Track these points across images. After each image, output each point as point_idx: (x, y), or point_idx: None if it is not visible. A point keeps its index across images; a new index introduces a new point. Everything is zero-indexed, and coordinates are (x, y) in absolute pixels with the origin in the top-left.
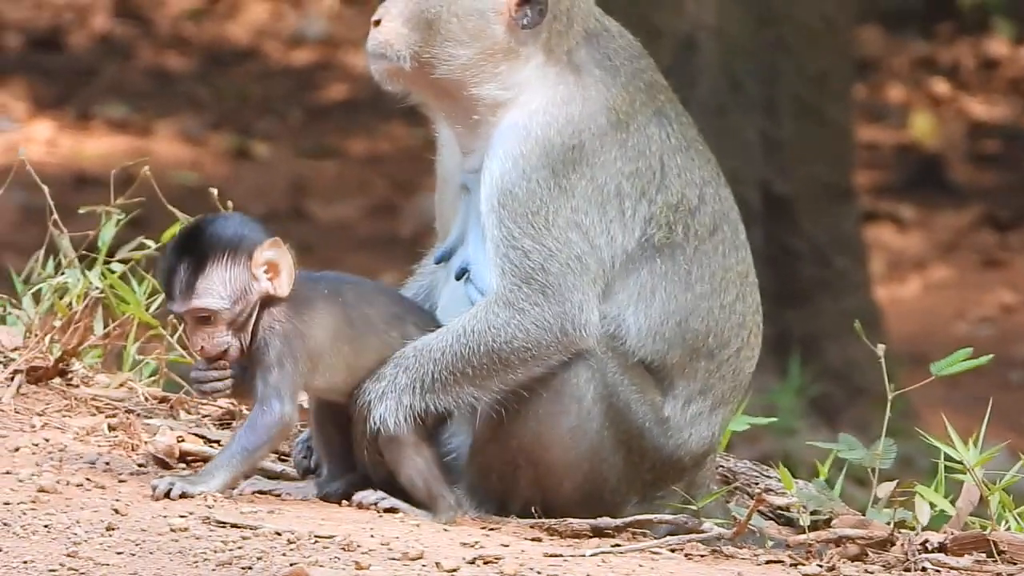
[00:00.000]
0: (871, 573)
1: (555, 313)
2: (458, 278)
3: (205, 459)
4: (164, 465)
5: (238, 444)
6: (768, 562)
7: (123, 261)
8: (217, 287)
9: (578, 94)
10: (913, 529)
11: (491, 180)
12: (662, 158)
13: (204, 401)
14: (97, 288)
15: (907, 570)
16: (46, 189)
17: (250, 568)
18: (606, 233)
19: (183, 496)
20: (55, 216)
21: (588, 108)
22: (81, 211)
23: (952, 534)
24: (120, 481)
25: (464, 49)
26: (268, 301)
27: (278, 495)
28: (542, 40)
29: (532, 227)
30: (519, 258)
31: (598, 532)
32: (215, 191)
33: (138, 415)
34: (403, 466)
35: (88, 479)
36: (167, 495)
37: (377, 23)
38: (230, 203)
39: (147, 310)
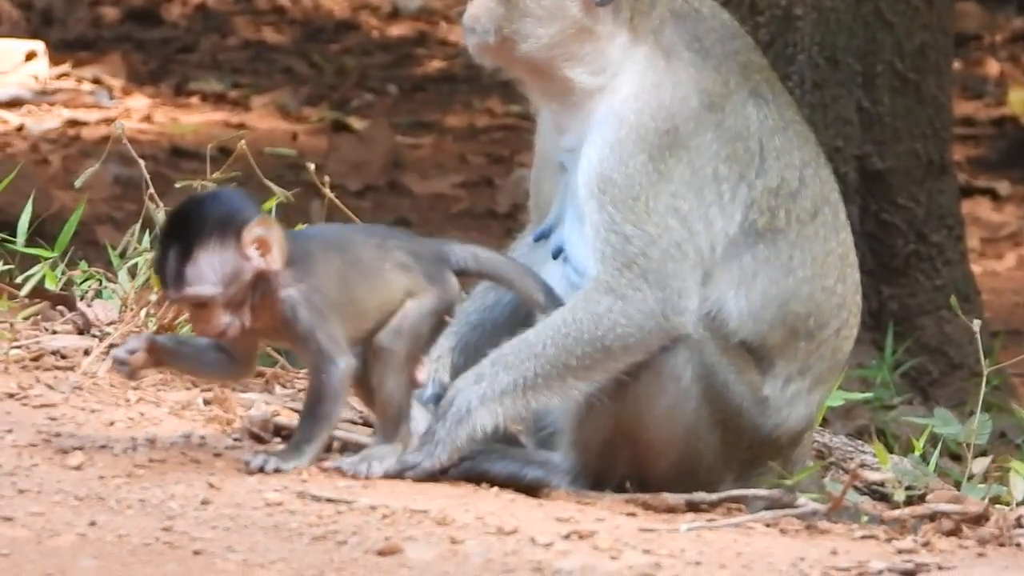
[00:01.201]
0: (965, 548)
1: (656, 299)
2: (555, 257)
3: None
4: (259, 439)
5: (318, 413)
6: (863, 537)
7: None
8: (208, 273)
9: (668, 78)
10: (1008, 504)
11: (589, 166)
12: (760, 140)
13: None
14: None
15: (1001, 545)
16: (142, 163)
17: (344, 543)
18: (704, 219)
19: (277, 472)
20: (151, 190)
21: (679, 92)
22: (177, 185)
23: None
24: (215, 455)
25: (543, 27)
26: (265, 274)
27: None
28: (623, 19)
29: (632, 213)
30: (620, 243)
31: (693, 507)
32: (312, 166)
33: (233, 389)
34: (390, 378)
35: (183, 453)
36: (261, 471)
37: None
38: (327, 178)
39: None
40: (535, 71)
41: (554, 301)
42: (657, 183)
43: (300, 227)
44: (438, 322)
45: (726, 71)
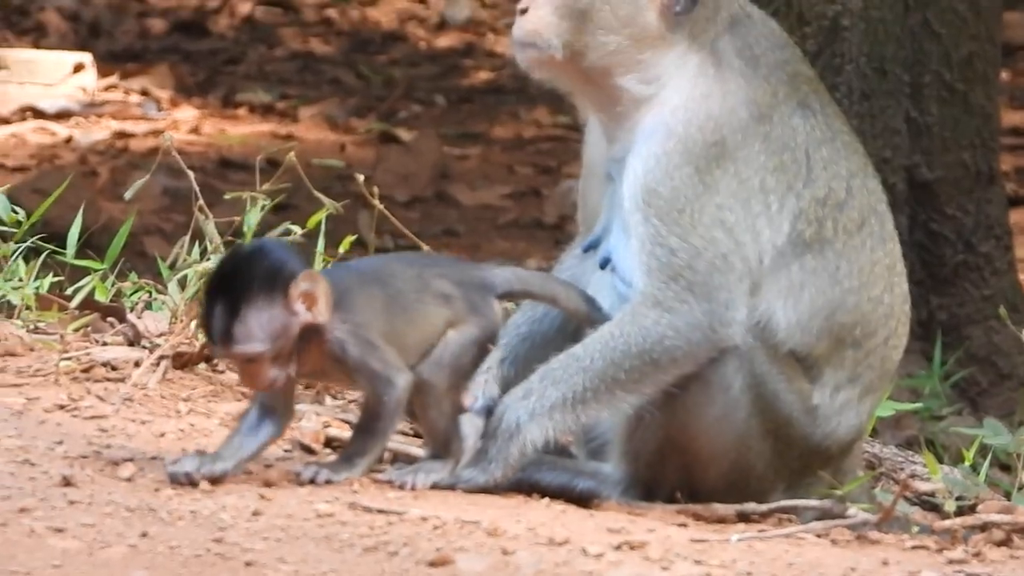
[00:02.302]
0: (1016, 559)
1: (703, 311)
2: (602, 267)
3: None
4: (309, 451)
5: (373, 429)
6: (914, 548)
7: None
8: (256, 330)
9: (717, 88)
10: None
11: (635, 178)
12: (807, 150)
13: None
14: None
15: None
16: (191, 174)
17: (396, 554)
18: (752, 230)
19: (328, 483)
20: (200, 201)
21: (728, 102)
22: (227, 197)
23: None
24: (266, 467)
25: (615, 36)
26: (312, 326)
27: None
28: (685, 27)
29: (678, 225)
30: (666, 256)
31: (744, 517)
32: (361, 177)
33: None
34: (433, 408)
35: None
36: (312, 482)
37: (524, 11)
38: (376, 189)
39: None
40: (589, 81)
41: (599, 314)
42: (703, 195)
43: (342, 260)
44: (480, 350)
45: (775, 81)
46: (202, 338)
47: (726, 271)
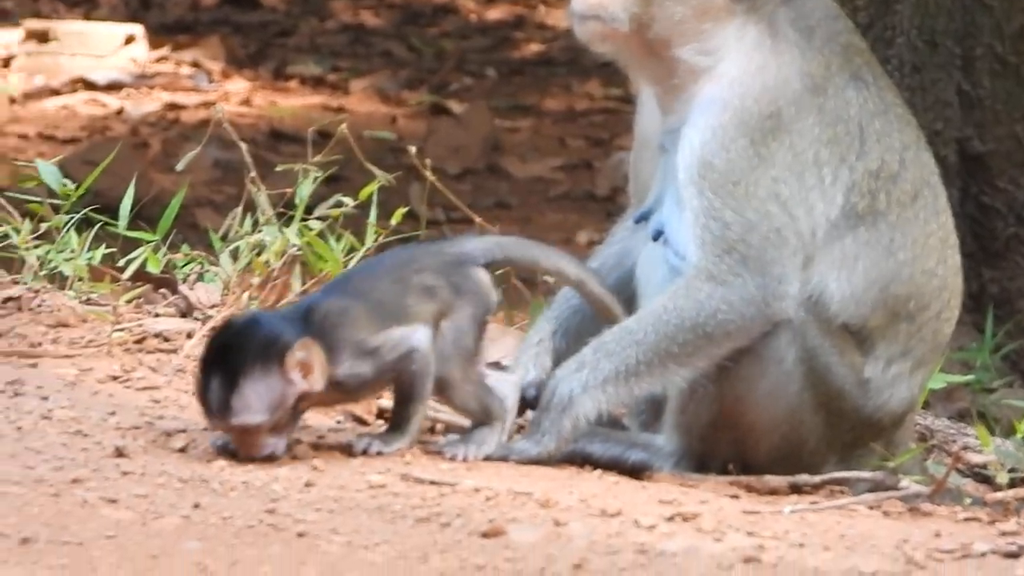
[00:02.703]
0: None
1: (757, 285)
2: (655, 239)
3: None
4: (361, 422)
5: (410, 394)
6: (966, 519)
7: (321, 218)
8: (253, 402)
9: (772, 60)
10: None
11: (690, 150)
12: (860, 123)
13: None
14: (295, 245)
15: None
16: (243, 146)
17: (448, 524)
18: (805, 203)
19: (379, 454)
20: (252, 173)
21: (783, 74)
22: (278, 168)
23: None
24: (319, 437)
25: (681, 6)
26: (308, 394)
27: None
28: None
29: (732, 198)
30: (720, 229)
31: (796, 489)
32: (413, 149)
33: None
34: (456, 395)
35: None
36: (364, 453)
37: None
38: (427, 161)
39: (345, 267)
40: (649, 53)
41: (587, 274)
42: (758, 168)
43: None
44: (479, 325)
45: (829, 52)
46: (255, 308)
47: (780, 245)
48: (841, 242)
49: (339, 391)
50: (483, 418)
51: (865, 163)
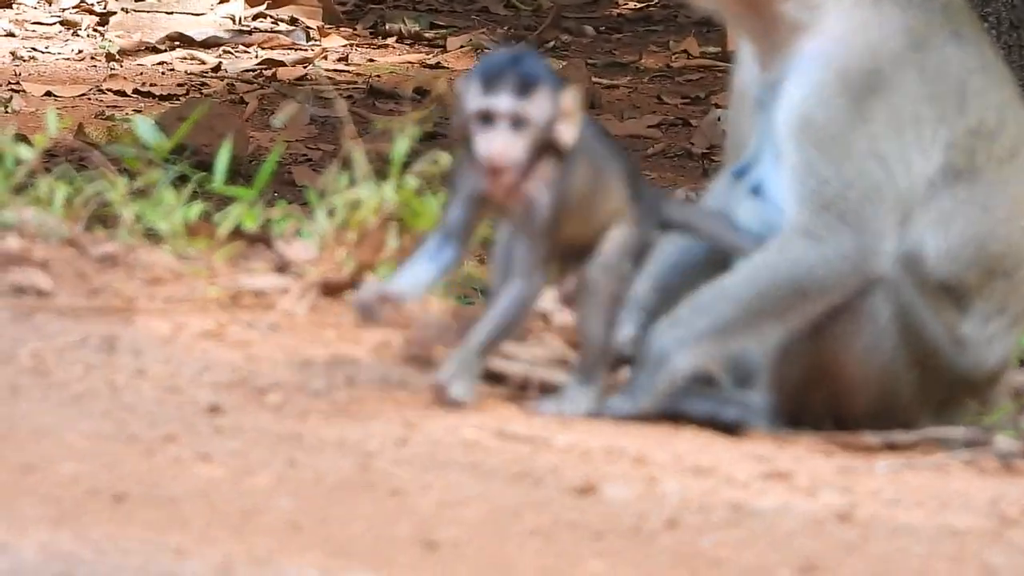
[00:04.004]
0: None
1: (854, 242)
2: (754, 194)
3: (498, 374)
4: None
5: (491, 318)
6: None
7: (418, 175)
8: (540, 102)
9: (874, 17)
10: None
11: (790, 106)
12: (961, 80)
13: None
14: (391, 202)
15: None
16: (341, 102)
17: (541, 481)
18: (904, 161)
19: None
20: (350, 129)
21: (885, 31)
22: (376, 125)
23: None
24: (413, 395)
25: None
26: (554, 143)
27: None
28: None
29: (831, 154)
30: (817, 185)
31: (890, 446)
32: None
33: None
34: (594, 316)
35: (381, 392)
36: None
37: None
38: None
39: None
40: (751, 7)
41: (749, 244)
42: (858, 125)
43: None
44: (636, 264)
45: (929, 10)
46: (350, 267)
47: (878, 202)
48: (938, 200)
49: (527, 209)
50: (587, 371)
51: (965, 120)
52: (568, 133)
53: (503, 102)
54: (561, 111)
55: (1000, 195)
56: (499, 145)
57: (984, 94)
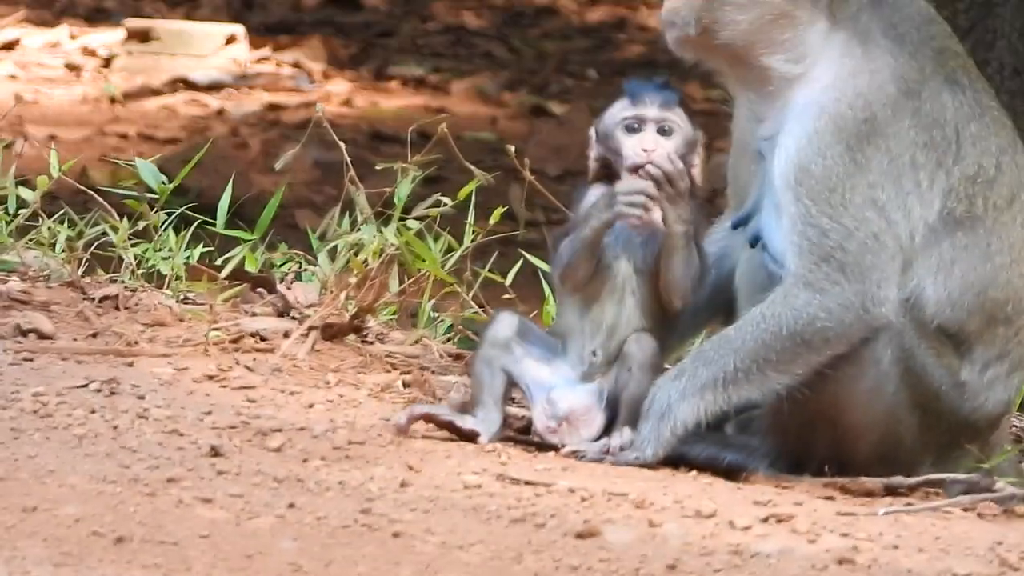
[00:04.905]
0: None
1: (856, 291)
2: (752, 245)
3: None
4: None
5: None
6: None
7: (419, 218)
8: (681, 115)
9: (865, 65)
10: None
11: (786, 157)
12: (956, 126)
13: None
14: (393, 245)
15: None
16: (343, 145)
17: (543, 525)
18: (903, 208)
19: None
20: (352, 173)
21: (876, 79)
22: (378, 167)
23: None
24: (414, 438)
25: (743, 14)
26: (690, 181)
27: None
28: (822, 5)
29: (829, 205)
30: (817, 236)
31: (891, 491)
32: (512, 148)
33: (432, 372)
34: (643, 386)
35: (381, 435)
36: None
37: None
38: (527, 161)
39: (443, 267)
40: (734, 60)
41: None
42: (855, 174)
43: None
44: None
45: (922, 57)
46: (352, 309)
47: (878, 251)
48: (939, 247)
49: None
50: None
51: (962, 167)
52: (699, 170)
53: (651, 110)
54: (695, 144)
55: (999, 241)
56: (649, 142)
57: (981, 141)
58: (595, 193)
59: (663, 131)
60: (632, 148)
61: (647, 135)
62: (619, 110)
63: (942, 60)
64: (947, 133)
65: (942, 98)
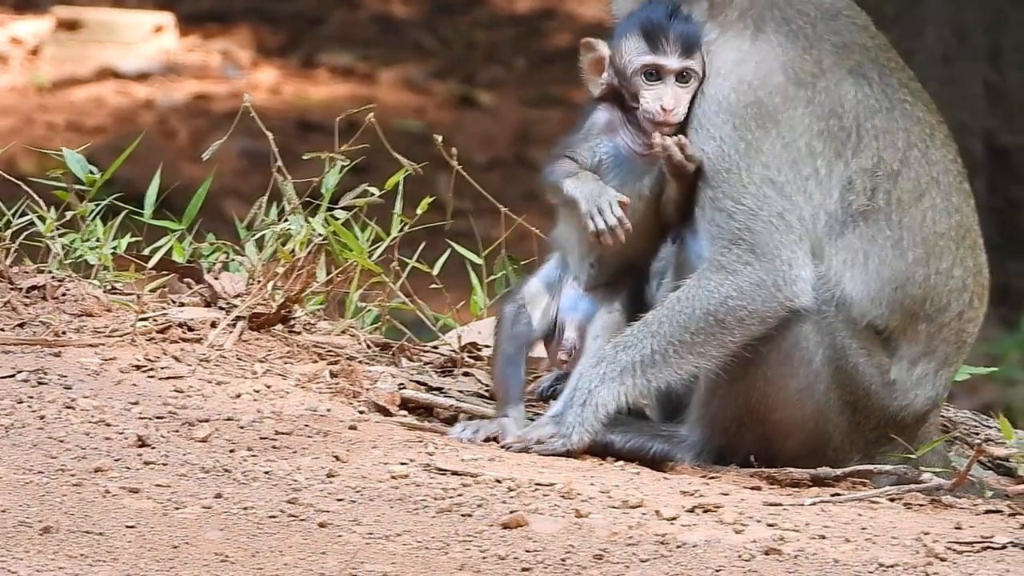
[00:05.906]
0: None
1: (767, 270)
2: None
3: (427, 407)
4: (385, 412)
5: None
6: (987, 512)
7: (347, 208)
8: (699, 58)
9: (751, 56)
10: None
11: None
12: (857, 118)
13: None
14: (320, 235)
15: None
16: (270, 135)
17: (470, 515)
18: (803, 192)
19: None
20: (279, 162)
21: (763, 68)
22: (305, 157)
23: None
24: (341, 428)
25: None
26: None
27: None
28: (703, 8)
29: (728, 185)
30: (724, 220)
31: (818, 482)
32: (439, 138)
33: (360, 362)
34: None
35: (308, 426)
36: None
37: None
38: (454, 150)
39: (370, 257)
40: None
41: None
42: (747, 154)
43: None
44: None
45: (819, 52)
46: (279, 299)
47: (784, 230)
48: (846, 237)
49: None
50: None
51: (860, 160)
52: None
53: (671, 60)
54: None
55: (911, 237)
56: (670, 100)
57: (886, 134)
58: (601, 114)
59: (682, 77)
60: (651, 102)
61: (667, 88)
62: (637, 54)
63: (844, 54)
64: (845, 124)
65: (841, 90)
